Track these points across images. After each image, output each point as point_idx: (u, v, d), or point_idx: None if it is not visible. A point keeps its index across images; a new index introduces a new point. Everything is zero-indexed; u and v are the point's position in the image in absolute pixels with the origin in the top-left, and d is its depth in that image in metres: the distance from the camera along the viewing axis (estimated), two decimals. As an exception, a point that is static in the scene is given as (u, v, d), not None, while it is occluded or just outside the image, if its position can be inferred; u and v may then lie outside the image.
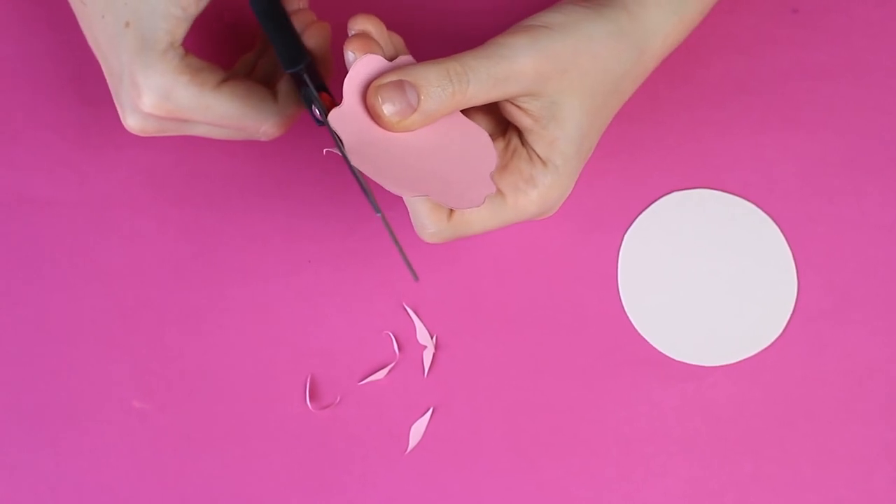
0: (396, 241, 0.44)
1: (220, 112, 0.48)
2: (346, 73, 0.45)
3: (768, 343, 0.55)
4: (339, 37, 0.46)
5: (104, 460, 0.54)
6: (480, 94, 0.45)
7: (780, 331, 0.55)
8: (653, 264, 0.56)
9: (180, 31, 0.47)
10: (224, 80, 0.48)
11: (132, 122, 0.48)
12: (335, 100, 0.47)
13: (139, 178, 0.56)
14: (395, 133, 0.45)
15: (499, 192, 0.48)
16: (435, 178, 0.45)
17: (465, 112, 0.47)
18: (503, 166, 0.48)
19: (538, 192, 0.47)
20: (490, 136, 0.47)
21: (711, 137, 0.57)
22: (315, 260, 0.56)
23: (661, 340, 0.55)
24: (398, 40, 0.47)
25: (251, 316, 0.55)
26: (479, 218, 0.48)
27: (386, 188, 0.43)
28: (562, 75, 0.46)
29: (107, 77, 0.49)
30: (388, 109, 0.44)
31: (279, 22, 0.48)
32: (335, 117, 0.44)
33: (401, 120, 0.44)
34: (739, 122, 0.57)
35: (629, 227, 0.56)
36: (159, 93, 0.46)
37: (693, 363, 0.55)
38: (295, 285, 0.56)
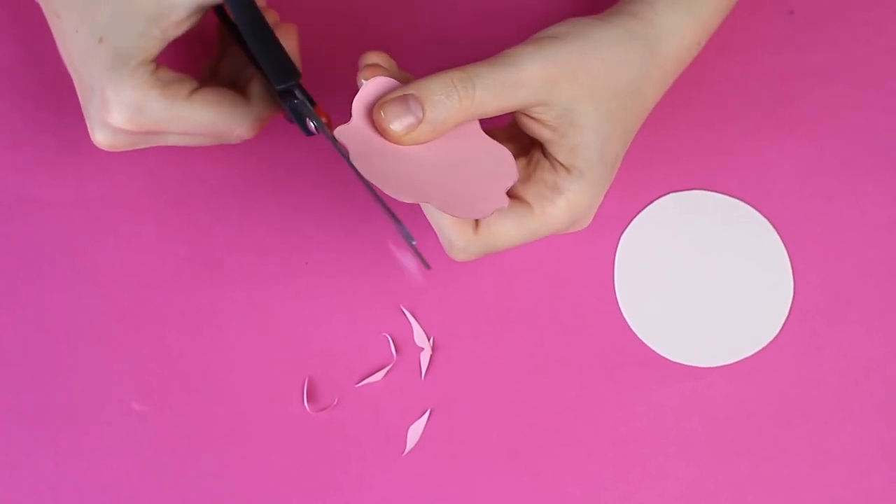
0: (415, 248, 0.44)
1: (194, 121, 0.48)
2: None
3: (765, 343, 0.55)
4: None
5: (104, 460, 0.54)
6: (488, 100, 0.45)
7: (777, 331, 0.55)
8: (649, 266, 0.56)
9: (155, 50, 0.47)
10: (195, 90, 0.48)
11: (100, 138, 0.48)
12: (326, 112, 0.47)
13: (138, 180, 0.57)
14: (402, 147, 0.45)
15: (525, 203, 0.47)
16: (440, 188, 0.45)
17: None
18: (526, 177, 0.48)
19: (565, 198, 0.47)
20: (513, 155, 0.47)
21: (708, 139, 0.57)
22: (312, 262, 0.56)
23: (658, 341, 0.55)
24: (410, 76, 0.47)
25: (249, 318, 0.56)
26: (506, 230, 0.47)
27: (386, 192, 0.43)
28: (572, 81, 0.46)
29: (77, 91, 0.49)
30: (394, 125, 0.44)
31: (266, 36, 0.47)
32: (341, 133, 0.44)
33: (408, 132, 0.44)
34: (736, 124, 0.57)
35: (626, 228, 0.56)
36: (130, 108, 0.46)
37: (690, 364, 0.55)
38: (293, 287, 0.56)
